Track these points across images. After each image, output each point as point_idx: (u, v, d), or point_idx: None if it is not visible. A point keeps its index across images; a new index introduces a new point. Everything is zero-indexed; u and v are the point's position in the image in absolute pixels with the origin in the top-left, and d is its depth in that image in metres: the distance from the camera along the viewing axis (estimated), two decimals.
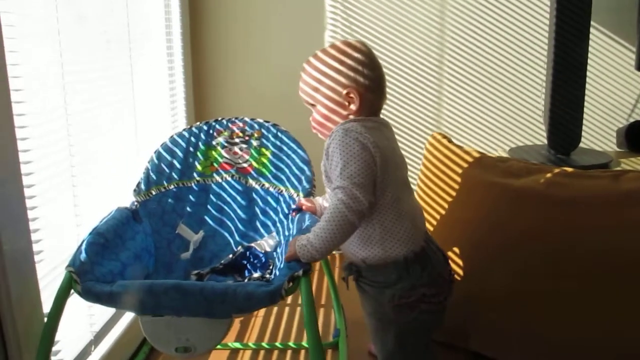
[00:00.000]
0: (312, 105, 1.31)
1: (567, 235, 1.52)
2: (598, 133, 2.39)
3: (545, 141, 2.20)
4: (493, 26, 2.32)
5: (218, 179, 1.65)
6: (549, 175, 1.62)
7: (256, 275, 1.42)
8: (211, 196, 1.64)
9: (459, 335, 1.65)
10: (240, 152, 1.66)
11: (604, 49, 2.31)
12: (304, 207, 1.46)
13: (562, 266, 1.51)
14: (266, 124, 1.66)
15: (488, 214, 1.64)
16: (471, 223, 1.66)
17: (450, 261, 1.39)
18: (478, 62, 2.35)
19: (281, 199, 1.60)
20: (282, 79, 2.37)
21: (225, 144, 1.66)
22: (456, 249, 1.66)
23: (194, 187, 1.63)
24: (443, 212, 1.75)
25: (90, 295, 1.14)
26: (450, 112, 2.39)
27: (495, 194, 1.65)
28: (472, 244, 1.65)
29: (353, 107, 1.29)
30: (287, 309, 1.99)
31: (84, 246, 1.23)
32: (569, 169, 1.63)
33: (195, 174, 1.64)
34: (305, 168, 1.59)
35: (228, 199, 1.65)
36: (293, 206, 1.48)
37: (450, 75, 2.37)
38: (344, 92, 1.28)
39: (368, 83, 1.29)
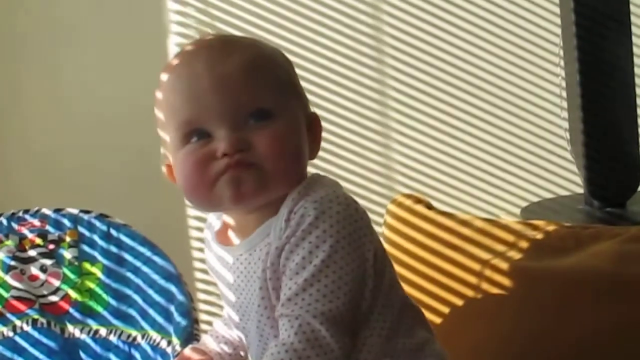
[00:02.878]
0: (266, 115, 1.22)
1: None
2: None
3: (580, 189, 2.24)
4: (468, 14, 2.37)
5: (5, 331, 1.63)
6: (617, 241, 1.59)
7: None
8: None
9: None
10: (42, 276, 1.64)
11: None
12: None
13: None
14: (86, 217, 1.66)
15: (520, 323, 1.58)
16: (488, 341, 1.60)
17: None
18: (441, 73, 2.39)
19: (137, 354, 1.57)
20: (105, 126, 2.35)
21: (12, 264, 1.64)
22: None
23: None
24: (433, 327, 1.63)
25: None
26: (404, 160, 2.41)
27: (529, 287, 1.60)
28: None
29: (313, 145, 1.30)
30: None
31: None
32: None
33: None
34: (173, 289, 1.56)
35: None
36: None
37: (396, 95, 2.39)
38: (307, 115, 1.29)
39: None
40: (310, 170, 1.29)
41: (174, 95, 1.23)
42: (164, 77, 1.25)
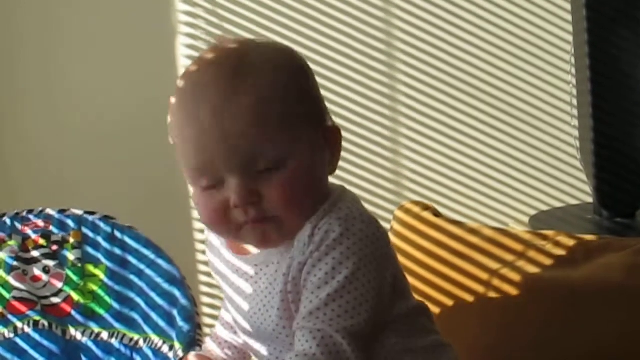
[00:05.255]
0: (276, 164, 1.20)
1: None
2: None
3: (589, 199, 2.24)
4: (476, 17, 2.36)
5: (5, 332, 1.61)
6: (627, 253, 1.59)
7: None
8: None
9: None
10: (45, 277, 1.63)
11: None
12: None
13: None
14: (90, 218, 1.65)
15: (527, 334, 1.58)
16: (495, 351, 1.60)
17: None
18: (451, 79, 2.39)
19: (139, 358, 1.56)
20: (110, 128, 2.34)
21: (15, 264, 1.63)
22: None
23: None
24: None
25: None
26: (413, 166, 2.41)
27: (538, 298, 1.60)
28: None
29: (332, 159, 1.30)
30: None
31: None
32: None
33: None
34: (177, 292, 1.55)
35: None
36: None
37: (406, 101, 2.39)
38: (323, 131, 1.28)
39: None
40: None
41: (182, 138, 1.22)
42: (174, 104, 1.24)
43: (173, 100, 1.24)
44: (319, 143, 1.25)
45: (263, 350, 1.30)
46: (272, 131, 1.19)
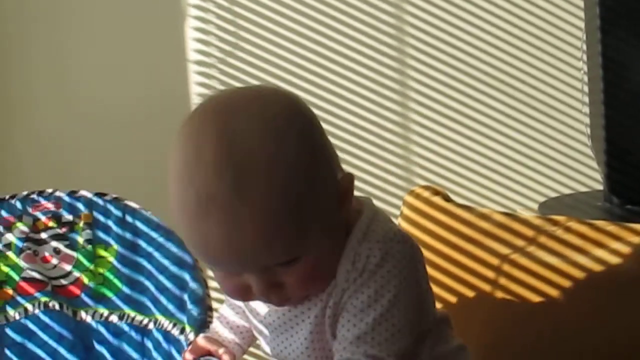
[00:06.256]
0: (291, 262, 1.14)
1: None
2: None
3: (599, 186, 2.24)
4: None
5: (15, 314, 1.62)
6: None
7: None
8: (6, 351, 1.60)
9: None
10: (55, 258, 1.64)
11: None
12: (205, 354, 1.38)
13: None
14: (101, 200, 1.66)
15: (538, 320, 1.59)
16: (504, 337, 1.60)
17: None
18: (459, 65, 2.39)
19: (149, 343, 1.56)
20: (119, 113, 2.34)
21: (24, 246, 1.64)
22: None
23: None
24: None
25: None
26: (423, 152, 2.41)
27: (547, 284, 1.60)
28: None
29: (344, 207, 1.21)
30: None
31: None
32: None
33: None
34: (187, 275, 1.55)
35: (40, 352, 1.60)
36: (189, 357, 1.37)
37: (417, 86, 2.39)
38: (337, 186, 1.20)
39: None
40: None
41: (188, 238, 1.17)
42: (174, 192, 1.14)
43: (174, 182, 1.14)
44: (333, 220, 1.19)
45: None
46: (283, 241, 1.13)
